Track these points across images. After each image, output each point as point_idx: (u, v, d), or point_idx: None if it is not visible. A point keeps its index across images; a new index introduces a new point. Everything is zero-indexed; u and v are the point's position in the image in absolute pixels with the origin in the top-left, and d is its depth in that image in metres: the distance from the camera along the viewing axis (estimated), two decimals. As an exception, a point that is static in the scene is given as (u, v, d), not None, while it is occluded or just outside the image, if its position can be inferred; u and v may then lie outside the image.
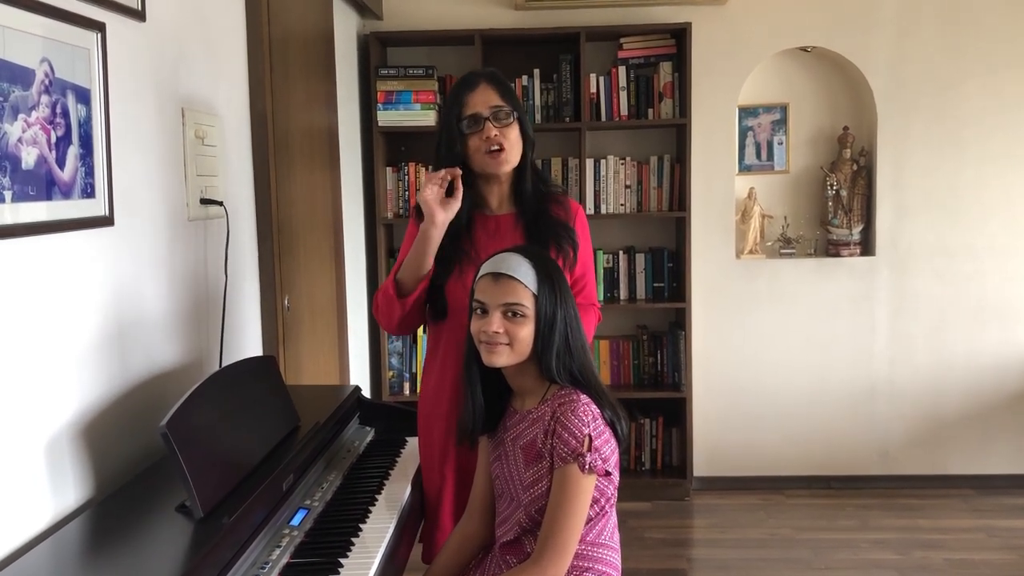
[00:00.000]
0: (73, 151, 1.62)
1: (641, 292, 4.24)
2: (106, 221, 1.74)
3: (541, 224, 2.07)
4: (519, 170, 2.11)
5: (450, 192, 2.02)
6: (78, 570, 1.40)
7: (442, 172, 2.02)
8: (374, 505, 1.91)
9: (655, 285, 4.23)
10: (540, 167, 4.00)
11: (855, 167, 4.25)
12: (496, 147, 2.03)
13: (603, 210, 4.15)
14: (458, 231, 2.07)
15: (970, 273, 4.23)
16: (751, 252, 4.29)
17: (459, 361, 1.99)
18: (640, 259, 4.22)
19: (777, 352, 4.30)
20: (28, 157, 1.48)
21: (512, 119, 2.05)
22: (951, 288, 4.24)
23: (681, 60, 4.07)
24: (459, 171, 2.03)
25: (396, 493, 2.00)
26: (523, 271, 1.77)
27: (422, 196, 2.00)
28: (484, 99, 2.04)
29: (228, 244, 2.26)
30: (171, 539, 1.46)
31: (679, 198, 4.14)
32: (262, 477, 1.68)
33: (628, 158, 4.17)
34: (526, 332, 1.75)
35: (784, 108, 4.33)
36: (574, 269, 2.10)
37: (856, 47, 4.14)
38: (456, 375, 2.03)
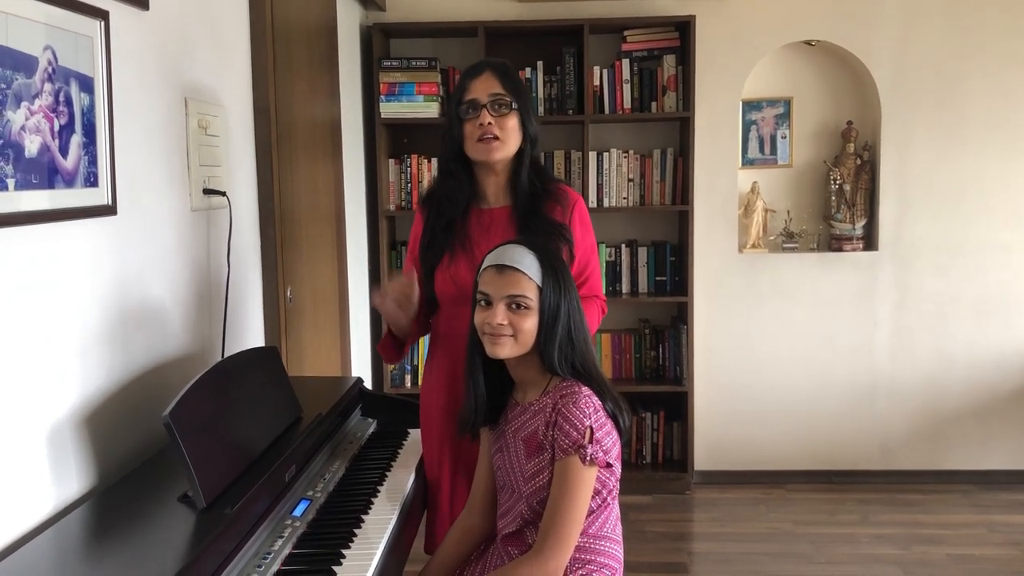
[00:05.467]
0: (76, 140, 1.62)
1: (643, 286, 4.23)
2: (109, 210, 1.73)
3: (533, 224, 2.06)
4: (517, 164, 2.10)
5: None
6: (80, 560, 1.40)
7: (397, 285, 2.02)
8: (376, 496, 1.91)
9: (657, 279, 4.22)
10: (543, 162, 4.05)
11: (858, 162, 4.24)
12: (489, 136, 2.02)
13: (605, 203, 4.14)
14: (452, 222, 2.07)
15: (972, 268, 4.22)
16: (754, 246, 4.28)
17: (453, 355, 2.00)
18: (642, 253, 4.22)
19: (779, 347, 4.30)
20: (31, 145, 1.48)
21: (510, 110, 2.04)
22: (953, 283, 4.23)
23: (685, 53, 4.06)
24: (415, 281, 2.02)
25: (398, 484, 2.00)
26: (527, 263, 1.76)
27: (383, 311, 2.04)
28: (485, 86, 2.04)
29: (231, 234, 2.26)
30: (173, 529, 1.46)
31: (682, 192, 4.14)
32: (264, 467, 1.68)
33: (631, 151, 4.16)
34: (530, 324, 1.75)
35: (788, 102, 4.32)
36: (571, 263, 2.09)
37: (860, 41, 4.13)
38: (452, 369, 2.04)
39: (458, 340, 1.98)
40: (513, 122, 2.05)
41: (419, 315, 2.10)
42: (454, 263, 2.05)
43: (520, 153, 2.09)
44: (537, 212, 2.08)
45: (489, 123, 2.02)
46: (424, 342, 3.96)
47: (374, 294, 2.07)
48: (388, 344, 2.17)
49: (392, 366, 4.17)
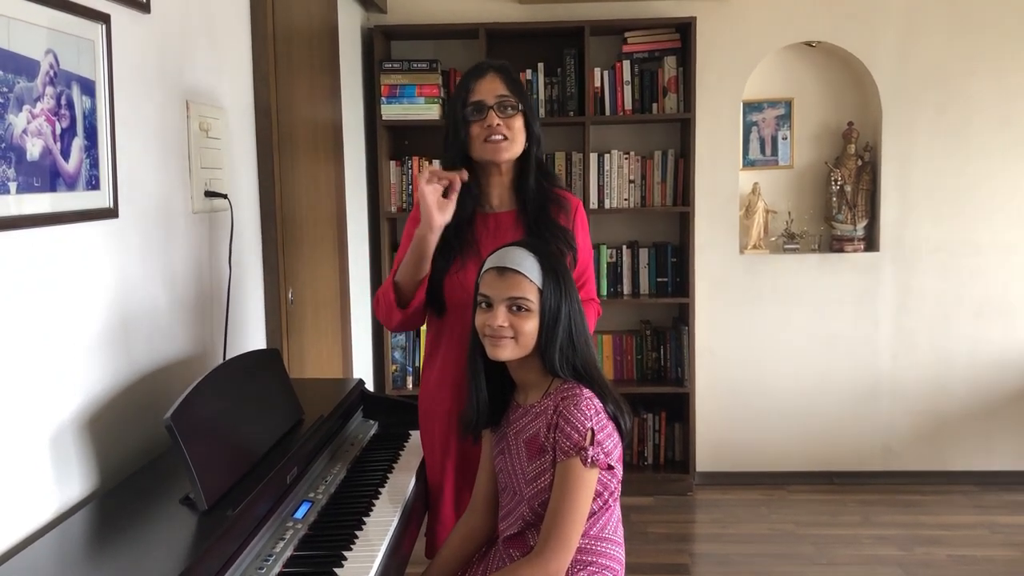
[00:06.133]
0: (78, 143, 1.62)
1: (644, 287, 4.23)
2: (110, 213, 1.73)
3: (541, 227, 2.07)
4: (522, 165, 2.10)
5: (445, 193, 1.97)
6: (82, 562, 1.40)
7: (446, 173, 1.97)
8: (378, 498, 1.91)
9: (658, 280, 4.22)
10: (546, 162, 4.04)
11: (859, 162, 4.24)
12: (497, 136, 2.02)
13: (607, 205, 4.14)
14: (461, 224, 2.07)
15: (974, 269, 4.22)
16: (755, 247, 4.28)
17: (460, 359, 1.99)
18: (643, 254, 4.22)
19: (780, 347, 4.30)
20: (33, 148, 1.48)
21: (516, 111, 2.05)
22: (955, 284, 4.23)
23: (686, 54, 4.06)
24: (465, 175, 1.98)
25: (399, 486, 2.01)
26: (528, 265, 1.76)
27: (422, 191, 1.93)
28: (491, 88, 2.04)
29: (232, 237, 2.26)
30: (175, 531, 1.46)
31: (683, 193, 4.14)
32: (266, 470, 1.68)
33: (632, 152, 4.16)
34: (530, 326, 1.75)
35: (789, 103, 4.32)
36: (573, 268, 2.10)
37: (861, 42, 4.13)
38: (457, 373, 2.03)
39: (465, 343, 1.97)
40: (519, 123, 2.06)
41: (421, 292, 2.04)
42: (464, 268, 2.05)
43: (526, 154, 2.10)
44: (545, 215, 2.08)
45: (497, 124, 2.02)
46: (423, 344, 3.97)
47: (422, 175, 1.94)
48: (390, 292, 2.04)
49: (394, 367, 4.17)
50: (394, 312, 2.04)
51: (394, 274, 2.06)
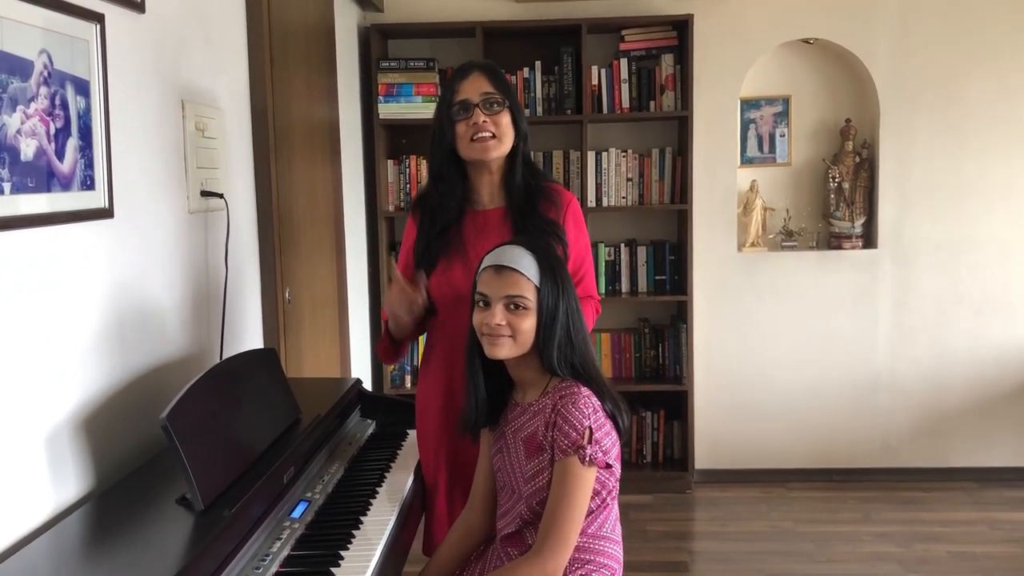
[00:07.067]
0: (72, 143, 1.62)
1: (643, 285, 4.23)
2: (106, 213, 1.73)
3: (528, 222, 2.06)
4: (511, 162, 2.10)
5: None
6: (79, 563, 1.40)
7: (407, 292, 2.01)
8: (375, 498, 1.91)
9: (657, 278, 4.22)
10: (540, 160, 4.06)
11: (857, 159, 4.24)
12: (485, 134, 2.02)
13: (604, 203, 4.14)
14: (447, 227, 2.07)
15: (972, 266, 4.22)
16: (753, 245, 4.28)
17: (450, 356, 2.01)
18: (642, 252, 4.22)
19: (779, 345, 4.30)
20: (27, 149, 1.48)
21: (503, 108, 2.05)
22: (953, 281, 4.23)
23: (683, 52, 4.06)
24: (424, 298, 2.03)
25: (397, 485, 2.01)
26: (526, 263, 1.76)
27: (391, 311, 2.04)
28: (475, 87, 2.05)
29: (228, 237, 2.26)
30: (172, 532, 1.46)
31: (681, 191, 4.14)
32: (263, 469, 1.68)
33: (630, 151, 4.16)
34: (528, 324, 1.75)
35: (786, 100, 4.32)
36: (565, 262, 2.09)
37: (859, 39, 4.13)
38: (447, 368, 2.04)
39: (454, 342, 1.99)
40: (507, 119, 2.05)
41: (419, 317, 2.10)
42: (450, 268, 2.05)
43: (513, 150, 2.10)
44: (532, 210, 2.08)
45: (484, 121, 2.02)
46: (420, 343, 3.96)
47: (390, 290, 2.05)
48: (387, 344, 2.17)
49: (392, 367, 4.17)
50: (392, 357, 2.20)
51: (386, 327, 2.15)
